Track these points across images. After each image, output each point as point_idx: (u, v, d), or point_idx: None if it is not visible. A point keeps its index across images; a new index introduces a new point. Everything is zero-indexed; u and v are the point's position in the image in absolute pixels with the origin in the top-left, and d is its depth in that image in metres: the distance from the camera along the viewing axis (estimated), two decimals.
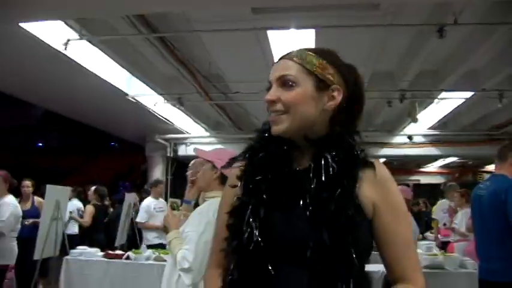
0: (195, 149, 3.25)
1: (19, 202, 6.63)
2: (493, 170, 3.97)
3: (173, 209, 3.10)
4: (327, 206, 1.27)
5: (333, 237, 1.24)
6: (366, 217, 1.34)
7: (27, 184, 7.16)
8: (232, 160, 1.58)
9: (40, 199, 7.27)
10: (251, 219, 1.33)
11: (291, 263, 1.30)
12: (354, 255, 1.25)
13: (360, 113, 1.45)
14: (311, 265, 1.25)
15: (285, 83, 1.37)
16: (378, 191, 1.36)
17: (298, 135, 1.38)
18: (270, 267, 1.29)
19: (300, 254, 1.27)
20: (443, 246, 7.26)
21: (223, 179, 2.99)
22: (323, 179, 1.30)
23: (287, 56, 1.42)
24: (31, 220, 6.92)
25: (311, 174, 1.33)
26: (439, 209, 8.75)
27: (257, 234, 1.31)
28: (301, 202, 1.31)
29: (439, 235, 8.43)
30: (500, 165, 3.77)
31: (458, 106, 9.92)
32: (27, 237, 6.52)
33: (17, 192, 6.87)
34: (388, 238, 1.36)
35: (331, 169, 1.31)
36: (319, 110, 1.37)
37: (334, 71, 1.39)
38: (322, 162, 1.32)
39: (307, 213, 1.29)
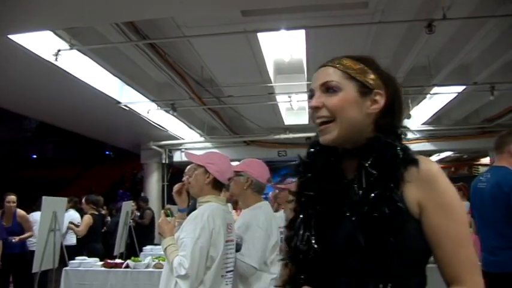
0: (186, 153, 3.23)
1: (1, 217, 6.79)
2: (489, 163, 3.96)
3: (167, 215, 3.08)
4: (366, 213, 1.26)
5: (370, 240, 1.24)
6: (414, 218, 1.30)
7: (13, 199, 7.04)
8: (285, 176, 1.63)
9: (23, 212, 7.28)
10: (302, 229, 1.37)
11: (339, 270, 1.31)
12: (397, 259, 1.23)
13: (400, 114, 1.45)
14: (353, 272, 1.26)
15: (328, 89, 1.38)
16: (423, 189, 1.31)
17: (346, 144, 1.39)
18: (326, 277, 1.31)
19: (344, 262, 1.29)
20: None
21: (216, 184, 2.99)
22: (364, 187, 1.30)
23: (328, 64, 1.44)
24: (17, 238, 6.93)
25: (355, 185, 1.33)
26: None
27: (310, 243, 1.33)
28: (347, 213, 1.31)
29: None
30: (499, 156, 3.75)
31: (450, 100, 9.94)
32: (19, 252, 6.73)
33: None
34: (437, 238, 1.29)
35: (372, 175, 1.30)
36: (363, 114, 1.37)
37: (375, 76, 1.40)
38: (363, 170, 1.33)
39: (352, 223, 1.29)
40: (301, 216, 1.40)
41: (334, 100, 1.36)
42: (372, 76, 1.39)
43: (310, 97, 1.42)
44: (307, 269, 1.34)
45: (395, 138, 1.38)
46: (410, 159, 1.34)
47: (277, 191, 5.29)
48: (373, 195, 1.27)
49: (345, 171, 1.42)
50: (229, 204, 4.45)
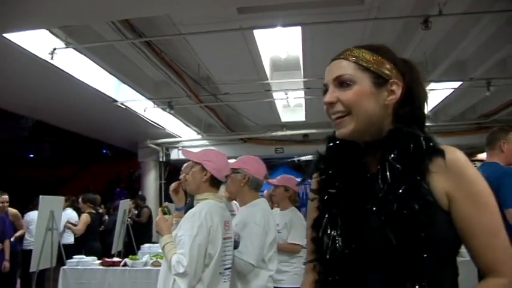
0: (183, 151, 3.23)
1: None
2: (485, 158, 3.94)
3: (164, 213, 3.08)
4: (395, 211, 1.24)
5: (401, 237, 1.21)
6: (442, 209, 1.27)
7: (6, 199, 6.98)
8: (307, 175, 1.55)
9: (14, 210, 7.28)
10: (329, 228, 1.34)
11: (369, 269, 1.29)
12: (428, 253, 1.21)
13: (422, 103, 1.41)
14: (385, 269, 1.24)
15: (342, 83, 1.35)
16: (450, 179, 1.28)
17: (365, 137, 1.37)
18: (356, 276, 1.29)
19: (375, 259, 1.26)
20: None
21: (213, 181, 2.99)
22: (389, 181, 1.28)
23: (340, 56, 1.40)
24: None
25: (380, 179, 1.31)
26: None
27: (339, 243, 1.31)
28: (373, 208, 1.29)
29: None
30: (490, 152, 3.75)
31: (447, 96, 9.95)
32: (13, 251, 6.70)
33: None
34: (468, 229, 1.26)
35: (396, 169, 1.28)
36: (380, 106, 1.34)
37: (391, 66, 1.36)
38: (387, 164, 1.30)
39: (379, 218, 1.27)
40: (326, 215, 1.37)
41: (349, 94, 1.33)
42: (388, 66, 1.36)
43: (324, 92, 1.39)
44: (336, 270, 1.32)
45: (417, 128, 1.35)
46: (435, 150, 1.31)
47: (271, 189, 5.30)
48: (400, 191, 1.25)
49: (367, 165, 1.39)
50: (234, 202, 4.44)
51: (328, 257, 1.32)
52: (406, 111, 1.37)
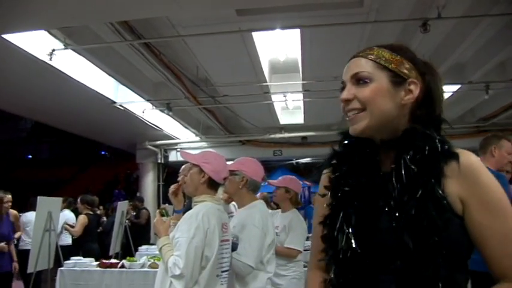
0: (181, 152, 3.22)
1: None
2: None
3: (162, 215, 3.07)
4: (408, 211, 1.22)
5: (417, 240, 1.20)
6: (456, 215, 1.25)
7: (10, 199, 6.70)
8: (319, 169, 1.54)
9: (15, 212, 7.23)
10: (345, 227, 1.32)
11: (380, 270, 1.27)
12: (442, 258, 1.20)
13: (439, 104, 1.41)
14: (399, 271, 1.22)
15: (359, 80, 1.34)
16: (464, 184, 1.26)
17: (380, 135, 1.35)
18: (368, 275, 1.28)
19: (388, 261, 1.24)
20: None
21: (211, 183, 2.98)
22: (404, 181, 1.26)
23: (359, 54, 1.39)
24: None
25: (393, 178, 1.29)
26: None
27: (354, 242, 1.29)
28: (386, 208, 1.28)
29: None
30: (482, 157, 3.81)
31: (445, 100, 9.93)
32: None
33: None
34: (482, 235, 1.24)
35: (412, 170, 1.26)
36: (397, 105, 1.33)
37: (410, 66, 1.35)
38: (402, 164, 1.28)
39: (393, 218, 1.25)
40: (341, 213, 1.35)
41: (366, 91, 1.32)
42: (407, 65, 1.35)
43: (342, 89, 1.38)
44: (350, 269, 1.30)
45: (433, 129, 1.35)
46: (450, 153, 1.30)
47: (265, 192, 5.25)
48: (418, 194, 1.23)
49: (381, 163, 1.37)
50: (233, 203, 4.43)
51: (341, 256, 1.31)
52: (423, 112, 1.36)
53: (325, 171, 1.49)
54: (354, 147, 1.41)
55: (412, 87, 1.34)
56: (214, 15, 6.29)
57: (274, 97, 9.60)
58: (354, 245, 1.28)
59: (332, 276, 1.36)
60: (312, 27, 6.21)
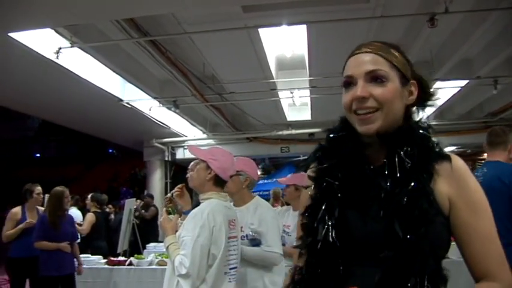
0: (189, 147, 3.22)
1: (23, 212, 6.01)
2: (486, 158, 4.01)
3: (169, 213, 3.06)
4: (399, 200, 1.23)
5: (406, 230, 1.20)
6: (442, 213, 1.28)
7: (40, 190, 6.23)
8: (304, 162, 1.55)
9: (42, 208, 6.96)
10: (326, 218, 1.31)
11: (364, 261, 1.27)
12: (429, 250, 1.21)
13: (428, 106, 1.43)
14: (386, 261, 1.21)
15: (375, 78, 1.31)
16: (454, 185, 1.30)
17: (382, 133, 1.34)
18: (341, 267, 1.28)
19: (374, 252, 1.24)
20: None
21: (217, 180, 2.96)
22: (397, 175, 1.27)
23: (367, 50, 1.35)
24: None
25: (386, 172, 1.29)
26: None
27: (333, 233, 1.29)
28: (376, 200, 1.28)
29: None
30: (493, 151, 3.82)
31: (453, 95, 9.90)
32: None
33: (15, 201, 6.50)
34: (465, 235, 1.29)
35: (406, 164, 1.27)
36: (403, 106, 1.35)
37: (409, 66, 1.37)
38: (396, 158, 1.29)
39: (382, 211, 1.25)
40: (322, 203, 1.34)
41: (384, 91, 1.30)
42: (407, 66, 1.37)
43: (348, 84, 1.35)
44: (326, 261, 1.30)
45: (427, 131, 1.36)
46: (443, 154, 1.33)
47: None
48: (410, 186, 1.24)
49: (369, 157, 1.37)
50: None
51: (319, 247, 1.30)
52: (415, 112, 1.40)
53: (312, 165, 1.49)
54: (340, 142, 1.41)
55: (412, 88, 1.37)
56: (220, 12, 6.28)
57: (281, 94, 9.57)
58: (332, 237, 1.28)
59: (303, 265, 1.36)
60: (319, 23, 6.18)
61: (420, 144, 1.31)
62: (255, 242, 3.25)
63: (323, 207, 1.34)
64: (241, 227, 3.29)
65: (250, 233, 3.32)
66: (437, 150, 1.33)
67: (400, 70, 1.33)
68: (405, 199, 1.23)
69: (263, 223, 3.31)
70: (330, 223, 1.30)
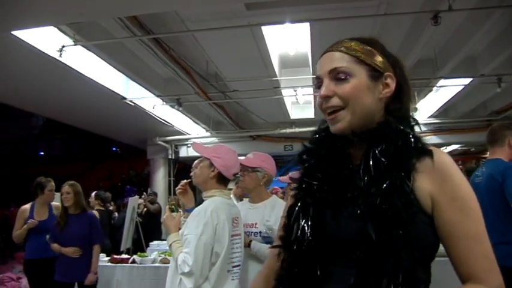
0: (193, 144, 3.21)
1: (31, 209, 5.78)
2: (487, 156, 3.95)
3: (172, 211, 3.06)
4: (373, 201, 1.20)
5: (379, 231, 1.17)
6: (424, 211, 1.23)
7: (53, 186, 6.00)
8: (289, 165, 1.57)
9: (57, 203, 6.03)
10: (300, 217, 1.30)
11: (339, 261, 1.25)
12: (405, 251, 1.16)
13: (409, 99, 1.39)
14: (359, 262, 1.19)
15: (338, 75, 1.30)
16: (436, 182, 1.24)
17: (357, 130, 1.31)
18: (317, 267, 1.26)
19: (349, 252, 1.22)
20: None
21: (220, 178, 2.96)
22: (372, 174, 1.24)
23: (333, 48, 1.35)
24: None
25: (361, 171, 1.27)
26: None
27: (308, 232, 1.27)
28: (352, 200, 1.25)
29: None
30: (492, 149, 3.78)
31: (457, 93, 9.87)
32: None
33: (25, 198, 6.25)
34: (451, 234, 1.22)
35: (381, 162, 1.24)
36: (376, 100, 1.31)
37: (382, 58, 1.34)
38: (371, 156, 1.26)
39: (358, 211, 1.23)
40: (299, 204, 1.34)
41: (346, 88, 1.29)
42: (380, 59, 1.33)
43: (318, 86, 1.35)
44: (302, 261, 1.28)
45: (407, 125, 1.32)
46: (423, 149, 1.28)
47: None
48: (384, 185, 1.21)
49: (352, 156, 1.35)
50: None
51: (295, 247, 1.29)
52: (396, 107, 1.35)
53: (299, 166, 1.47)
54: (324, 142, 1.40)
55: (388, 80, 1.33)
56: (223, 9, 6.27)
57: (284, 92, 9.55)
58: (307, 237, 1.27)
59: (283, 265, 1.34)
60: (322, 20, 6.17)
61: (396, 140, 1.27)
62: (268, 239, 3.20)
63: (297, 207, 1.33)
64: (255, 224, 3.30)
65: (264, 230, 3.29)
66: (417, 145, 1.29)
67: (368, 64, 1.31)
68: (378, 200, 1.20)
69: (278, 220, 3.30)
70: (303, 222, 1.29)
